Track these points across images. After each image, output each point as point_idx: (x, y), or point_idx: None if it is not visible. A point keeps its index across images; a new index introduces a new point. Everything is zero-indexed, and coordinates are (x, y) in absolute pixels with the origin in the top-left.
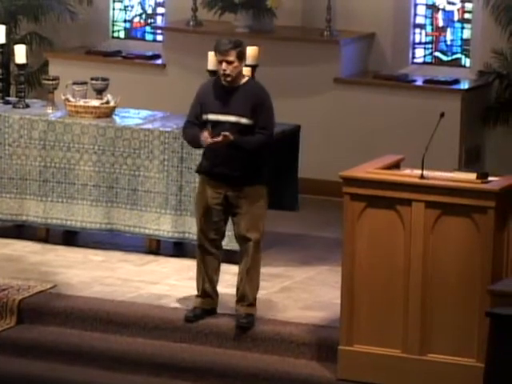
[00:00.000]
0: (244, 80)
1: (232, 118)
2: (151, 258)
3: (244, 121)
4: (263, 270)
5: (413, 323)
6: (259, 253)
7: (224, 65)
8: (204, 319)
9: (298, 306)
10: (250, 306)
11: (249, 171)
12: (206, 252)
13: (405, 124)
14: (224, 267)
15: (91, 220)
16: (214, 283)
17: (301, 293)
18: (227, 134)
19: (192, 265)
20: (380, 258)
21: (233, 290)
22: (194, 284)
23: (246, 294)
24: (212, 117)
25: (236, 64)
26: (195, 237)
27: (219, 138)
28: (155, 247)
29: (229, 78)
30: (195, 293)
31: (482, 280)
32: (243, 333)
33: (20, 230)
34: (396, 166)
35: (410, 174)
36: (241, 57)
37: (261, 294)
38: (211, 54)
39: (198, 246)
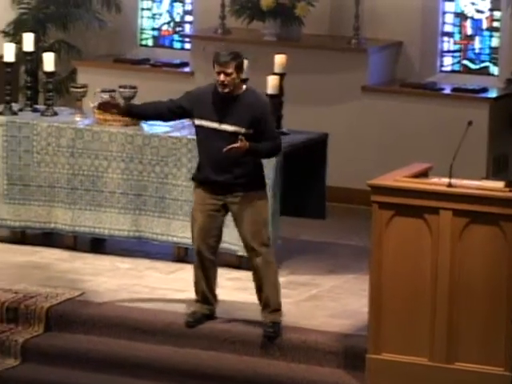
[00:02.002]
0: (242, 90)
1: (229, 128)
2: (179, 265)
3: (242, 130)
4: (290, 278)
5: (440, 332)
6: (270, 257)
7: (222, 76)
8: (203, 324)
9: (324, 314)
10: (274, 312)
11: (252, 178)
12: (204, 258)
13: (432, 132)
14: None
15: (119, 228)
16: (212, 288)
17: (328, 301)
18: (243, 138)
19: (220, 273)
20: (407, 266)
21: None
22: (221, 291)
23: (268, 300)
24: (208, 124)
25: (234, 76)
26: (224, 245)
27: (237, 144)
28: (183, 255)
29: (226, 89)
30: (224, 301)
31: (509, 288)
32: (268, 340)
33: (48, 238)
34: (424, 174)
35: (437, 183)
36: (239, 68)
37: (287, 301)
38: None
39: (196, 253)
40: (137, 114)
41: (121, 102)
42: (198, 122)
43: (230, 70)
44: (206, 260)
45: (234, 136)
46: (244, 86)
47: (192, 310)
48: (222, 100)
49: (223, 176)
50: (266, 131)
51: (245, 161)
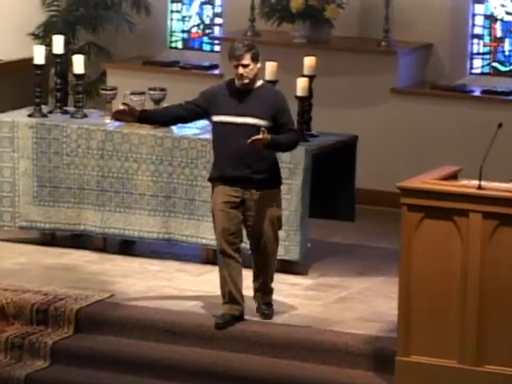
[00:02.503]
0: (259, 83)
1: (250, 120)
2: (208, 267)
3: (262, 123)
4: (320, 280)
5: (469, 334)
6: (276, 248)
7: (240, 69)
8: (234, 326)
9: (354, 316)
10: (269, 294)
11: (269, 174)
12: (227, 256)
13: (462, 134)
14: (280, 277)
15: (149, 229)
16: (239, 287)
17: (357, 303)
18: (265, 130)
19: (249, 274)
20: (437, 268)
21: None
22: (251, 293)
23: (266, 286)
24: (227, 118)
25: (252, 66)
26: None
27: (260, 136)
28: (212, 257)
29: (246, 81)
30: (251, 302)
31: None
32: (298, 342)
33: (77, 240)
34: (453, 176)
35: (467, 185)
36: (255, 59)
37: (317, 304)
38: (269, 64)
39: (219, 252)
40: (153, 120)
41: (136, 108)
42: (216, 118)
43: (246, 62)
44: (229, 258)
45: (253, 129)
46: (260, 81)
47: (221, 312)
48: (239, 94)
49: (241, 171)
50: (286, 123)
51: (263, 156)
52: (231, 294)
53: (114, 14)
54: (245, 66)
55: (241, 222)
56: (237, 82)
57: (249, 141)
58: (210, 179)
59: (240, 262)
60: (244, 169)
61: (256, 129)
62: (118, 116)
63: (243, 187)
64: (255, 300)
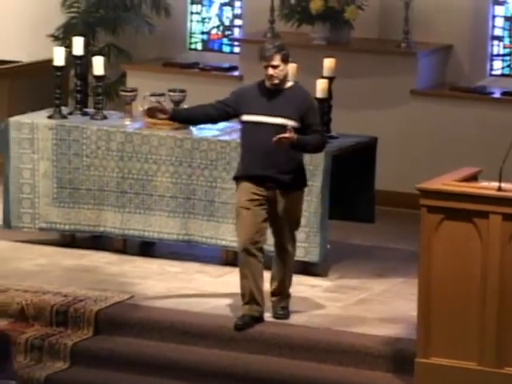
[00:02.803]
0: (289, 84)
1: (278, 120)
2: (227, 269)
3: (291, 123)
4: (339, 282)
5: (489, 336)
6: (294, 251)
7: (270, 70)
8: (253, 327)
9: (374, 318)
10: (286, 298)
11: (294, 176)
12: (250, 255)
13: (482, 136)
14: (299, 278)
15: (168, 231)
16: (260, 288)
17: (377, 305)
18: (292, 129)
19: (268, 276)
20: (457, 270)
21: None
22: (269, 296)
23: (286, 289)
24: (255, 118)
25: (282, 67)
26: (272, 248)
27: (286, 134)
28: (231, 258)
29: (276, 81)
30: (270, 304)
31: None
32: (317, 343)
33: (97, 241)
34: (473, 178)
35: (487, 187)
36: (285, 60)
37: (337, 305)
38: (289, 66)
39: (242, 250)
40: (185, 118)
41: (169, 106)
42: (245, 117)
43: (276, 63)
44: (252, 257)
45: (281, 129)
46: (290, 82)
47: (241, 313)
48: (269, 94)
49: (267, 171)
50: (313, 124)
51: (289, 157)
52: (252, 294)
53: (134, 15)
54: (274, 67)
55: (265, 221)
56: (266, 83)
57: (274, 139)
58: (236, 177)
59: (262, 261)
60: (270, 168)
61: (284, 129)
62: (150, 113)
63: (268, 187)
64: (272, 303)
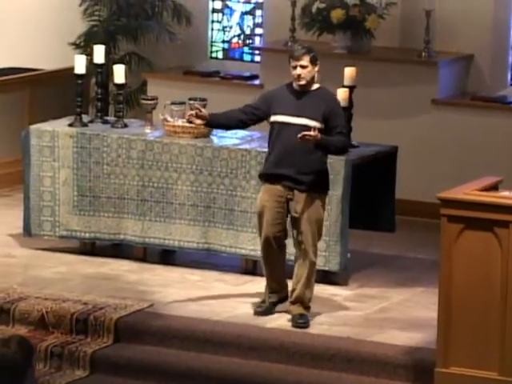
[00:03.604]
0: (315, 86)
1: (303, 121)
2: (247, 278)
3: (316, 124)
4: (359, 291)
5: (510, 346)
6: (315, 257)
7: (298, 69)
8: (274, 314)
9: (394, 327)
10: (305, 309)
11: (315, 178)
12: (270, 246)
13: (503, 145)
14: (319, 287)
15: (188, 239)
16: (281, 277)
17: (397, 314)
18: (316, 128)
19: (288, 285)
20: (477, 279)
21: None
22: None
23: (304, 297)
24: (282, 118)
25: (310, 68)
26: (292, 257)
27: (311, 132)
28: (251, 267)
29: (303, 82)
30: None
31: None
32: (337, 352)
33: (117, 249)
34: (494, 187)
35: (508, 196)
36: (314, 62)
37: (357, 314)
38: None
39: (264, 241)
40: (220, 124)
41: (204, 112)
42: (272, 118)
43: (305, 63)
44: (272, 248)
45: (306, 130)
46: (317, 84)
47: (262, 298)
48: (295, 95)
49: (286, 169)
50: (338, 126)
51: (311, 158)
52: (270, 284)
53: (155, 23)
54: (303, 67)
55: (284, 216)
56: (294, 83)
57: (299, 135)
58: (259, 176)
59: (284, 254)
60: (289, 167)
61: (308, 130)
62: (190, 119)
63: (288, 187)
64: (291, 312)
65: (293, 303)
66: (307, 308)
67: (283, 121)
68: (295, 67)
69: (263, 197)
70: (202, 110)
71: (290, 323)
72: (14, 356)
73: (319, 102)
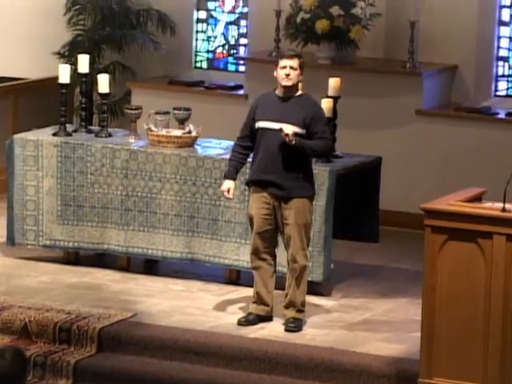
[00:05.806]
0: (299, 92)
1: (284, 126)
2: (231, 288)
3: (297, 130)
4: (343, 301)
5: (493, 357)
6: (307, 261)
7: (287, 69)
8: (257, 325)
9: (377, 338)
10: (298, 312)
11: (299, 183)
12: (259, 258)
13: (487, 156)
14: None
15: (172, 249)
16: (269, 289)
17: (381, 324)
18: (292, 133)
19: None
20: (461, 290)
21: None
22: (274, 314)
23: (296, 301)
24: (264, 124)
25: (298, 72)
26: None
27: (288, 131)
28: (235, 277)
29: (289, 82)
30: (277, 324)
31: None
32: (321, 363)
33: (101, 259)
34: (478, 198)
35: (491, 207)
36: (301, 67)
37: (340, 325)
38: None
39: (252, 253)
40: (240, 169)
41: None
42: (257, 124)
43: (295, 65)
44: (261, 260)
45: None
46: (300, 91)
47: (248, 310)
48: (278, 101)
49: (269, 175)
50: (319, 131)
51: (294, 164)
52: (259, 295)
53: (140, 33)
54: (292, 68)
55: (275, 228)
56: (278, 89)
57: (283, 133)
58: (246, 183)
59: (272, 264)
60: (273, 173)
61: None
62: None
63: (273, 194)
64: (284, 316)
65: (286, 307)
66: (300, 311)
67: (265, 126)
68: (285, 67)
69: (252, 205)
70: (231, 190)
71: (272, 333)
72: (9, 367)
73: (301, 107)
